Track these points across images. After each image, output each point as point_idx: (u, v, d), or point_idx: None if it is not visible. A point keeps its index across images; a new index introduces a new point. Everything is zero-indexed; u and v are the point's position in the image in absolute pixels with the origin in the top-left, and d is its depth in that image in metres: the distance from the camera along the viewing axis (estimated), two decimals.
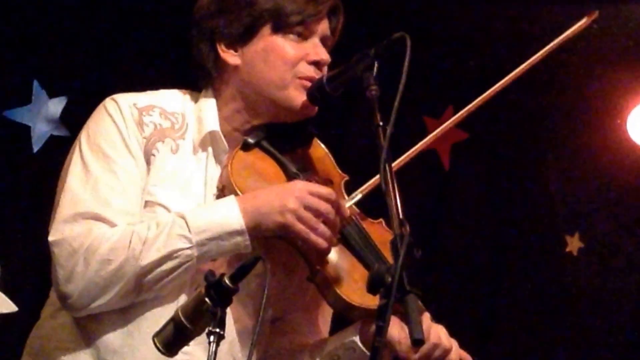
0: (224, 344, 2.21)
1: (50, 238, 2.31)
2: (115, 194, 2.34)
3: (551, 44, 2.63)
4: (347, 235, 2.36)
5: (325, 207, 2.28)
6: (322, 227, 2.27)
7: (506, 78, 2.60)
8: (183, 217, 2.28)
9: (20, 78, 4.15)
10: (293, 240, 2.33)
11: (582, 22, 2.68)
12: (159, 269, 2.27)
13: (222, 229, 2.28)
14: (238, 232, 2.27)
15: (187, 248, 2.26)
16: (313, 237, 2.25)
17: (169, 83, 2.57)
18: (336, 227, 2.30)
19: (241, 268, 2.01)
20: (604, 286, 4.57)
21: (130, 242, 2.27)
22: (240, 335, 2.38)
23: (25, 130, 4.11)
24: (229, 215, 2.29)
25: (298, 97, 2.38)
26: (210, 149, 2.42)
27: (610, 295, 4.62)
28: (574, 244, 4.51)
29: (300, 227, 2.25)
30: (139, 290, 2.28)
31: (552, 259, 4.73)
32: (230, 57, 2.42)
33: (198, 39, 2.48)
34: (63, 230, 2.31)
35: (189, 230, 2.27)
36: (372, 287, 1.96)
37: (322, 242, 2.28)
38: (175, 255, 2.27)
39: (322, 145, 2.51)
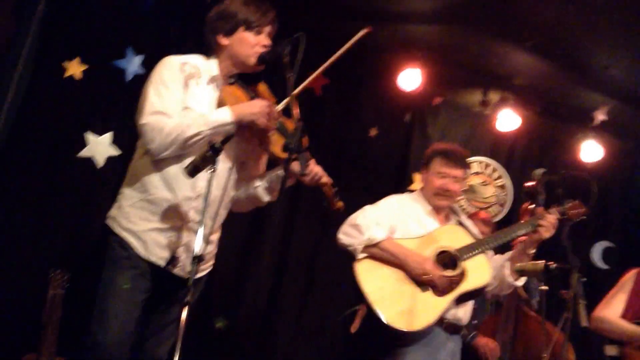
0: (226, 171, 3.25)
1: (141, 121, 3.12)
2: (171, 104, 3.14)
3: (336, 55, 3.47)
4: (277, 125, 3.30)
5: (269, 110, 3.20)
6: (268, 119, 3.19)
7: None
8: (205, 117, 3.12)
9: (120, 46, 5.21)
10: (255, 125, 3.16)
11: (361, 34, 3.46)
12: (193, 139, 3.10)
13: (223, 121, 3.14)
14: (229, 124, 3.16)
15: (207, 129, 3.12)
16: (265, 122, 3.20)
17: (195, 50, 3.42)
18: (274, 119, 3.22)
19: (223, 141, 2.99)
20: None
21: (180, 125, 3.06)
22: (234, 166, 3.28)
23: (121, 72, 5.19)
24: (227, 116, 3.15)
25: (254, 61, 3.32)
26: (214, 84, 3.28)
27: None
28: None
29: (261, 120, 3.17)
30: (183, 148, 3.10)
31: None
32: (223, 40, 3.31)
33: (208, 31, 3.34)
34: (148, 118, 3.12)
35: (208, 121, 3.10)
36: (284, 149, 2.90)
37: (269, 125, 3.20)
38: (201, 132, 3.12)
39: (266, 84, 3.46)
